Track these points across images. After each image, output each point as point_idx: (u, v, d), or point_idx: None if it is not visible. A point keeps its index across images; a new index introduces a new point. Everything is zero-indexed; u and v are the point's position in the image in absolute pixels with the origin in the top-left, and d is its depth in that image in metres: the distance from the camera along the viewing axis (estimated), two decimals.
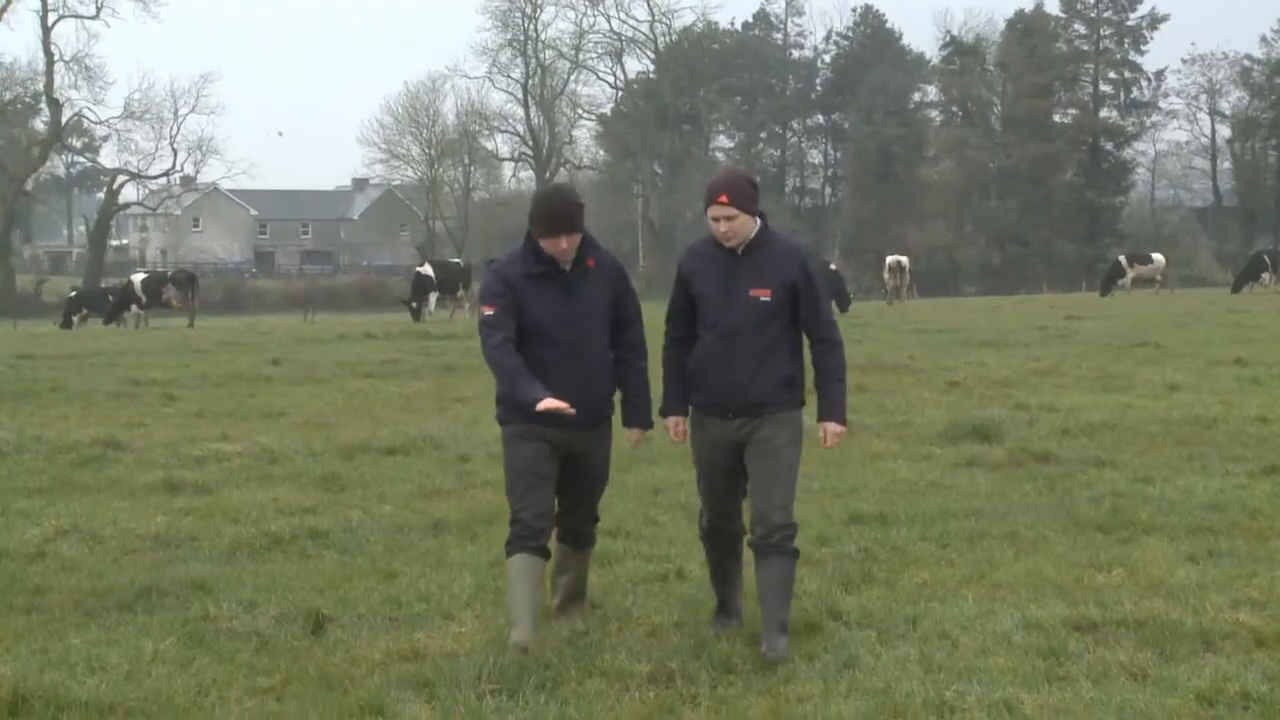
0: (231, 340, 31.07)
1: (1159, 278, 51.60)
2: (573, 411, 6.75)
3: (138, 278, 49.68)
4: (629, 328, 7.24)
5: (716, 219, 6.93)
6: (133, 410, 17.86)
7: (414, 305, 43.80)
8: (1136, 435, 13.99)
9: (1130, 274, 50.92)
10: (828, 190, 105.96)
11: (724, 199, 6.88)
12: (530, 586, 6.94)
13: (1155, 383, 18.53)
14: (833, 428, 7.06)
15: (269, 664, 6.96)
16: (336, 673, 6.78)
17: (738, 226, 6.91)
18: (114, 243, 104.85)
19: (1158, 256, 52.73)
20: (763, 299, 6.90)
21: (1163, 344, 23.94)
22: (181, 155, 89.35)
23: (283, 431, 15.57)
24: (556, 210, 6.91)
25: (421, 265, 48.09)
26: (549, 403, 6.69)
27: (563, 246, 6.92)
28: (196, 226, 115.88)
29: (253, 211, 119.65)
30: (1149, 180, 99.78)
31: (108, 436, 14.60)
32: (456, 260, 53.98)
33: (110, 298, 49.51)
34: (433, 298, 45.65)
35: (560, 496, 7.22)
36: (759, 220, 7.01)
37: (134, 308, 47.07)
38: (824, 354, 7.05)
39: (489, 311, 6.91)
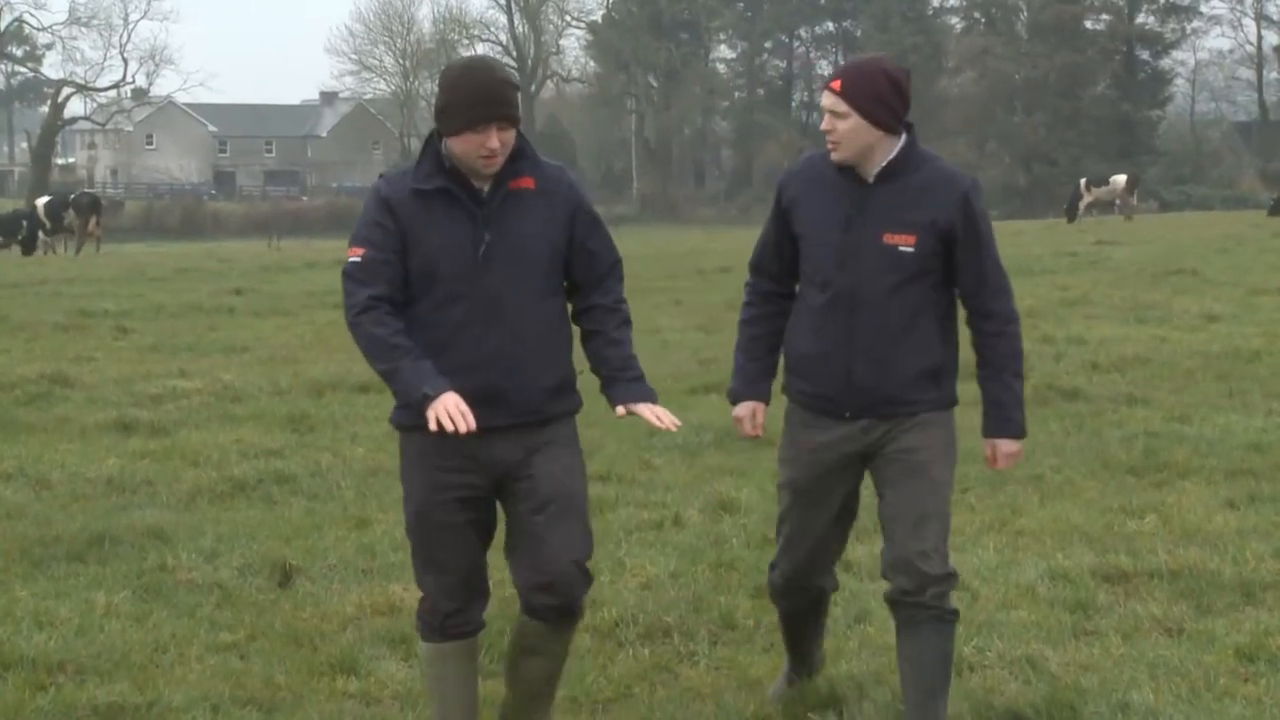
0: (189, 267, 31.00)
1: (1117, 201, 51.50)
2: (471, 426, 4.70)
3: (41, 201, 49.17)
4: (599, 284, 5.16)
5: (825, 113, 5.21)
6: (82, 343, 17.84)
7: None
8: (1172, 370, 14.01)
9: (1087, 198, 50.87)
10: None
11: (836, 85, 5.15)
12: (456, 687, 5.20)
13: (1192, 313, 18.54)
14: (1006, 446, 5.25)
15: (232, 618, 6.98)
16: (305, 628, 6.80)
17: (846, 132, 5.11)
18: (59, 161, 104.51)
19: (1117, 178, 52.40)
20: (902, 248, 5.11)
21: (1201, 271, 23.92)
22: (133, 65, 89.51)
23: (246, 367, 15.58)
24: (481, 88, 4.84)
25: None
26: (442, 411, 4.70)
27: (492, 145, 4.84)
28: (150, 144, 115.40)
29: (211, 128, 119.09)
30: (1188, 93, 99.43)
31: (55, 372, 14.59)
32: None
33: (23, 223, 48.66)
34: None
35: (512, 542, 5.08)
36: (904, 136, 5.19)
37: (40, 234, 46.70)
38: (991, 336, 5.23)
39: (354, 256, 4.92)
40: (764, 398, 5.48)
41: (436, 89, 4.92)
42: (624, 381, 5.09)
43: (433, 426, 4.67)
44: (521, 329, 4.93)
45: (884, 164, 5.13)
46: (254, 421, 12.28)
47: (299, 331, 19.25)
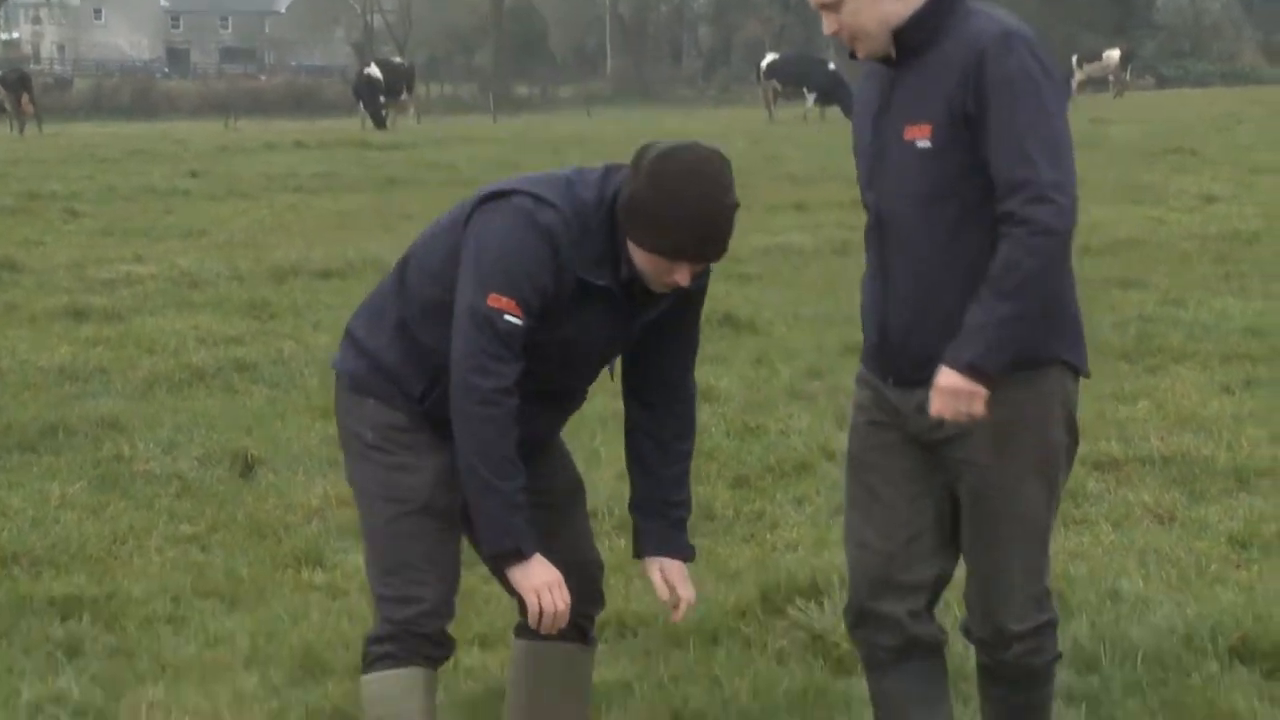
0: (142, 149, 30.73)
1: (1111, 77, 51.71)
2: (564, 621, 4.08)
3: None
4: (682, 379, 4.28)
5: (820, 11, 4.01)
6: (30, 227, 17.74)
7: (383, 112, 43.51)
8: (1168, 253, 14.06)
9: (1079, 75, 51.08)
10: None
11: None
12: None
13: (1190, 194, 18.57)
14: (945, 378, 3.81)
15: (192, 510, 7.01)
16: (268, 519, 6.84)
17: (852, 17, 3.93)
18: (3, 36, 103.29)
19: (1109, 54, 52.80)
20: (920, 144, 3.92)
21: (1199, 150, 23.91)
22: None
23: (203, 252, 15.52)
24: (704, 223, 3.87)
25: (368, 66, 47.60)
26: (547, 598, 4.00)
27: (681, 281, 3.96)
28: (98, 19, 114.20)
29: (163, 2, 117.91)
30: None
31: (3, 257, 14.54)
32: (399, 60, 53.43)
33: None
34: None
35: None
36: None
37: None
38: (1004, 238, 3.83)
39: (512, 315, 3.91)
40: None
41: (645, 172, 3.86)
42: (654, 521, 4.27)
43: (535, 621, 4.00)
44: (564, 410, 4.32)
45: (906, 37, 3.93)
46: (212, 308, 12.26)
47: (258, 215, 19.15)
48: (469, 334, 3.91)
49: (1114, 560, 6.05)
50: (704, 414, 8.46)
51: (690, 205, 3.83)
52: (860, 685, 5.08)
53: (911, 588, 4.08)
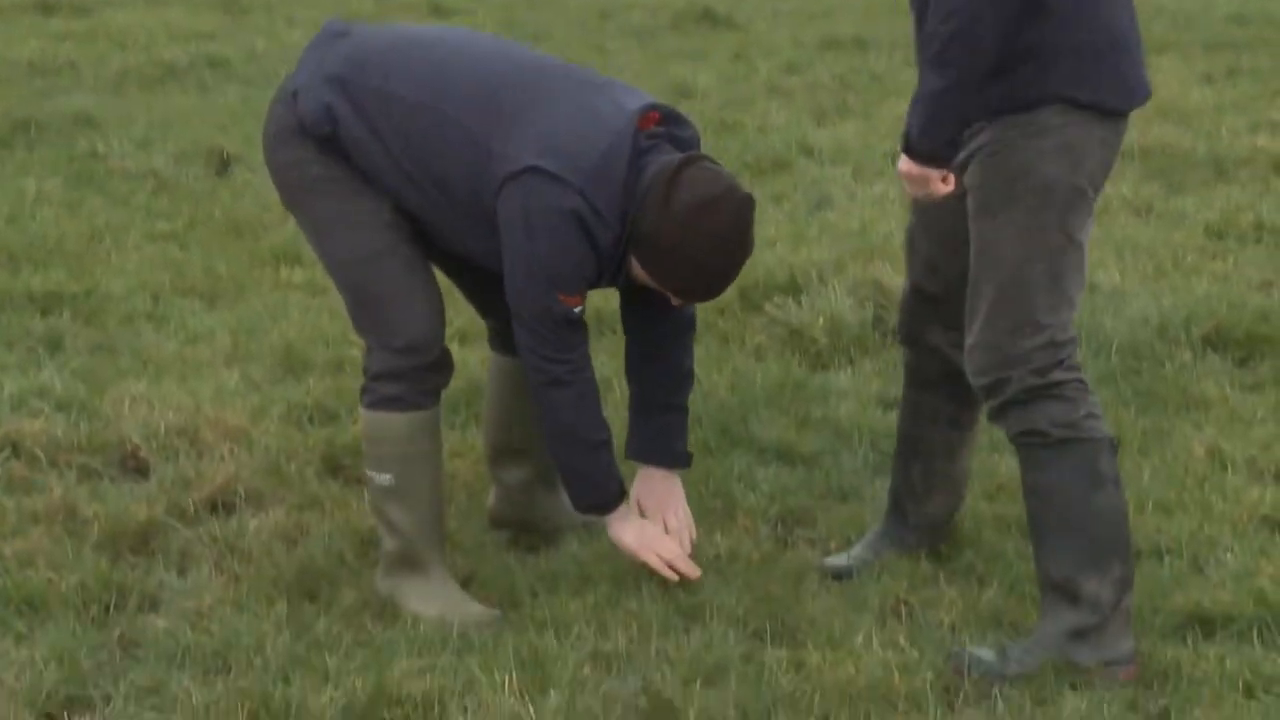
0: None
1: None
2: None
3: None
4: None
5: None
6: None
7: None
8: None
9: None
10: None
11: None
12: (437, 467, 4.12)
13: None
14: (900, 163, 3.71)
15: (169, 207, 7.00)
16: (245, 218, 6.83)
17: None
18: None
19: None
20: None
21: None
22: None
23: None
24: (718, 279, 3.89)
25: None
26: (667, 552, 3.98)
27: (673, 302, 3.98)
28: None
29: None
30: None
31: None
32: None
33: None
34: None
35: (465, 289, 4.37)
36: None
37: None
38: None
39: (576, 308, 3.89)
40: None
41: (675, 216, 3.76)
42: (651, 430, 4.14)
43: (667, 570, 3.96)
44: None
45: None
46: (182, 3, 12.07)
47: None
48: (542, 331, 3.89)
49: (1091, 254, 6.05)
50: (682, 110, 8.41)
51: (710, 265, 3.82)
52: (837, 378, 5.18)
53: (954, 323, 3.88)
